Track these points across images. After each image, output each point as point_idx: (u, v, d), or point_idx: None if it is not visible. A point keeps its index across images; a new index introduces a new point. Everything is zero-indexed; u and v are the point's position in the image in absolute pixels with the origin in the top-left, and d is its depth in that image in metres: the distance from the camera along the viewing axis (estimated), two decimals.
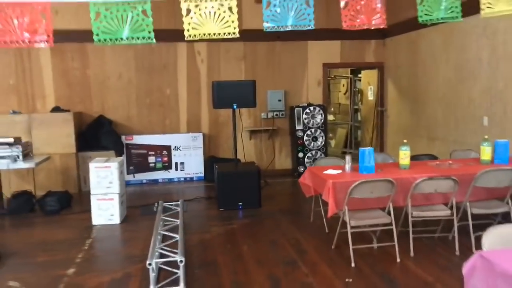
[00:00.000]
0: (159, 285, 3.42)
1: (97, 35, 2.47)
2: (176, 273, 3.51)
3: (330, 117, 10.76)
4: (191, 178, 7.70)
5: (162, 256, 3.66)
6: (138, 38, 2.48)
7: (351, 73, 10.16)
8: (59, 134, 6.67)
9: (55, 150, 6.60)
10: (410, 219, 3.96)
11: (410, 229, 3.94)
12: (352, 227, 3.84)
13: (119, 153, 7.13)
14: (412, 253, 3.92)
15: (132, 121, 7.58)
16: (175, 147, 7.65)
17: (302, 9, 2.73)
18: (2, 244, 4.50)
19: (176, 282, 3.42)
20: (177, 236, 3.99)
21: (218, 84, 6.07)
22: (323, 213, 4.61)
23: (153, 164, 7.61)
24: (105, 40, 2.50)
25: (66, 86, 7.31)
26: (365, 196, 3.82)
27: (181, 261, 3.32)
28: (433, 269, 3.65)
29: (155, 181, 7.59)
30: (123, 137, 7.38)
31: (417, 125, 7.16)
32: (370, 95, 9.20)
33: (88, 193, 5.32)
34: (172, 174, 7.66)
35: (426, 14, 2.98)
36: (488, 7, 3.07)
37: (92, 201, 5.15)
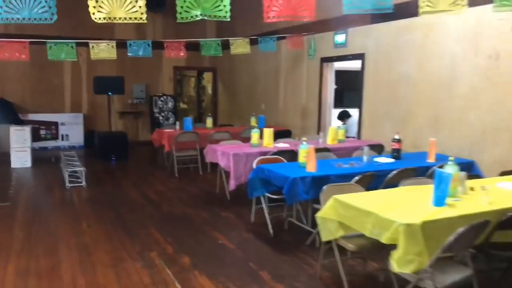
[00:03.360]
0: (72, 184, 6.45)
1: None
2: (80, 180, 6.57)
3: (184, 106, 14.24)
4: (74, 146, 10.45)
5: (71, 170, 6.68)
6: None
7: (197, 74, 13.76)
8: None
9: None
10: None
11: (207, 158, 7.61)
12: (177, 157, 7.36)
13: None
14: (209, 170, 7.55)
15: (27, 103, 10.03)
16: (61, 123, 10.32)
17: (146, 47, 6.13)
18: None
19: (81, 182, 6.50)
20: (78, 163, 7.03)
21: (98, 78, 9.09)
22: (164, 155, 8.03)
23: (44, 135, 10.18)
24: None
25: None
26: (183, 140, 7.36)
27: (84, 169, 6.43)
28: (212, 175, 7.33)
29: (45, 148, 10.16)
30: (20, 115, 9.79)
31: (234, 110, 11.05)
32: (210, 90, 12.93)
33: None
34: (59, 143, 10.32)
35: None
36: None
37: (12, 152, 7.78)
